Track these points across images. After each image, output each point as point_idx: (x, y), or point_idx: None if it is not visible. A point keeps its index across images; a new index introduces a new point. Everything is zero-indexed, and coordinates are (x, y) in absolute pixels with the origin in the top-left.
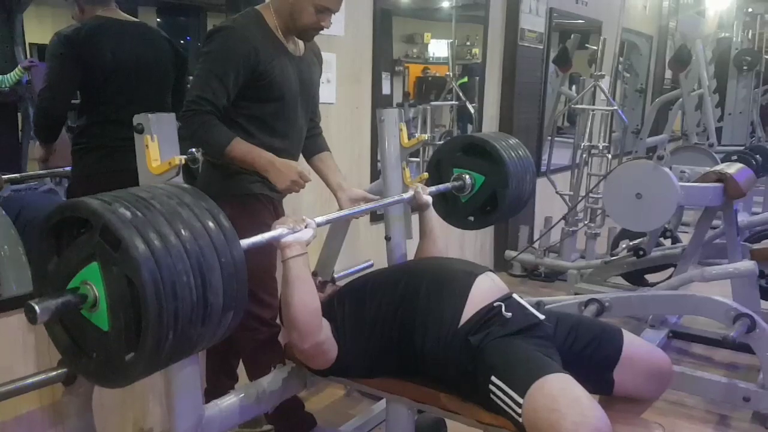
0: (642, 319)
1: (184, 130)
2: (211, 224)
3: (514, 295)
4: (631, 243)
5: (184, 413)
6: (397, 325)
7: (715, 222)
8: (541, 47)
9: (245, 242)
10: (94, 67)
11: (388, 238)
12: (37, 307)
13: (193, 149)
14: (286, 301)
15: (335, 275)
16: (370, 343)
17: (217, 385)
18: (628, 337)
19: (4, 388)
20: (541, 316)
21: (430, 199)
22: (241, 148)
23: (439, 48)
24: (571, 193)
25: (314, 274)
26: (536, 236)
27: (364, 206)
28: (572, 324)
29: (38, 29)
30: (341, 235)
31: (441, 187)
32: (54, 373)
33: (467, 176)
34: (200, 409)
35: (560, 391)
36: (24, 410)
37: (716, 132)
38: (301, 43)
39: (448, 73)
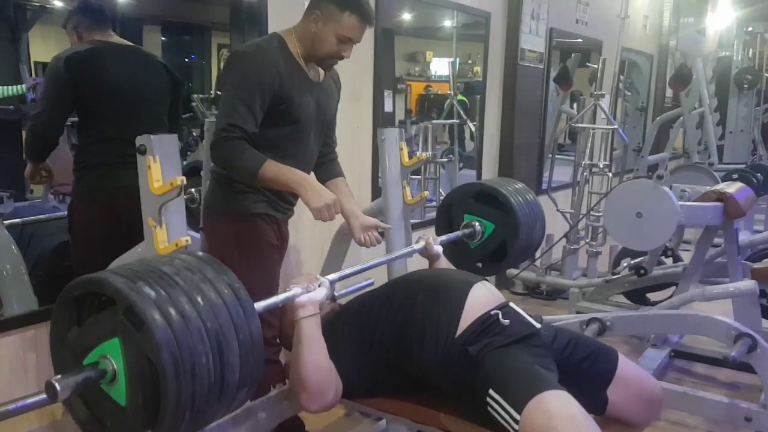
0: (644, 339)
1: (216, 157)
2: (231, 300)
3: (511, 304)
4: (632, 261)
5: None
6: (395, 337)
7: (718, 240)
8: (542, 66)
9: (260, 305)
10: (90, 87)
11: None
12: (57, 386)
13: (192, 189)
14: (297, 360)
15: (336, 293)
16: (370, 359)
17: None
18: (623, 358)
19: (5, 408)
20: (538, 325)
21: (440, 249)
22: (273, 169)
23: (441, 66)
24: (573, 211)
25: None
26: (538, 254)
27: (378, 260)
28: (571, 337)
29: (43, 48)
30: (342, 251)
31: (452, 235)
32: None
33: (477, 224)
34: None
35: (557, 409)
36: (24, 429)
37: (717, 150)
38: (321, 69)
39: (449, 91)
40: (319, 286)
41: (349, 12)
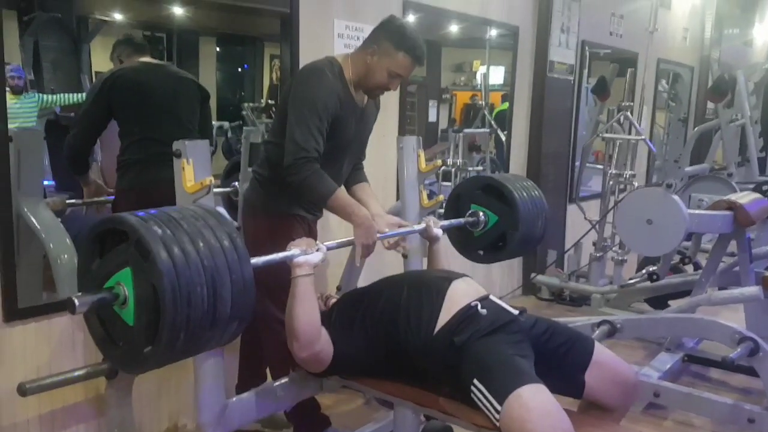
0: (662, 344)
1: (295, 175)
2: (227, 245)
3: (491, 297)
4: (651, 269)
5: (209, 404)
6: (383, 325)
7: None
8: (571, 78)
9: (261, 259)
10: (127, 95)
11: (405, 256)
12: (76, 301)
13: (236, 183)
14: (290, 313)
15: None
16: (360, 341)
17: (247, 383)
18: (599, 346)
19: (54, 379)
20: (515, 312)
21: (440, 232)
22: (343, 198)
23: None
24: (599, 219)
25: (338, 288)
26: (566, 261)
27: (380, 234)
28: (549, 324)
29: (103, 58)
30: None
31: (455, 221)
32: (99, 367)
33: (481, 213)
34: (224, 401)
35: (534, 403)
36: (71, 401)
37: (758, 162)
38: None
39: (481, 101)
40: (317, 250)
41: (404, 53)
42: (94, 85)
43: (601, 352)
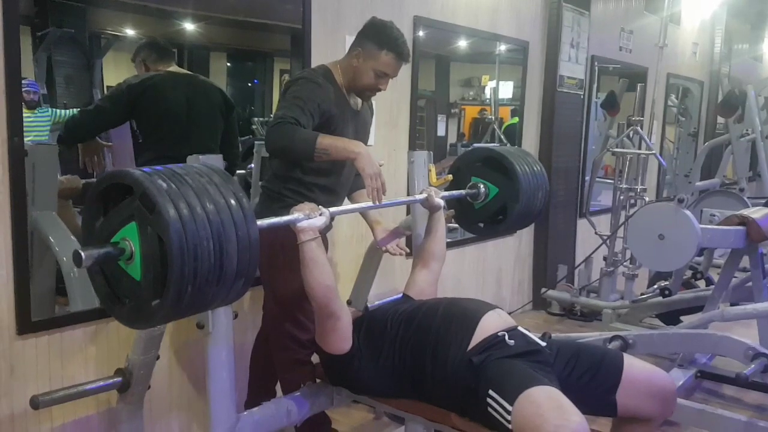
0: (674, 360)
1: (271, 135)
2: (233, 202)
3: (519, 328)
4: (663, 284)
5: (221, 419)
6: (410, 352)
7: None
8: (581, 93)
9: (264, 222)
10: (149, 110)
11: None
12: (83, 254)
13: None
14: (304, 278)
15: (369, 304)
16: (387, 365)
17: (257, 399)
18: (628, 360)
19: (67, 392)
20: (543, 343)
21: (441, 202)
22: (329, 138)
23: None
24: (611, 234)
25: (348, 303)
26: (577, 276)
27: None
28: (572, 352)
29: (115, 73)
30: (375, 264)
31: (455, 193)
32: (110, 381)
33: (482, 186)
34: (236, 416)
35: (545, 399)
36: (83, 414)
37: None
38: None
39: (490, 116)
40: (320, 215)
41: (386, 51)
42: (120, 86)
43: (631, 366)
